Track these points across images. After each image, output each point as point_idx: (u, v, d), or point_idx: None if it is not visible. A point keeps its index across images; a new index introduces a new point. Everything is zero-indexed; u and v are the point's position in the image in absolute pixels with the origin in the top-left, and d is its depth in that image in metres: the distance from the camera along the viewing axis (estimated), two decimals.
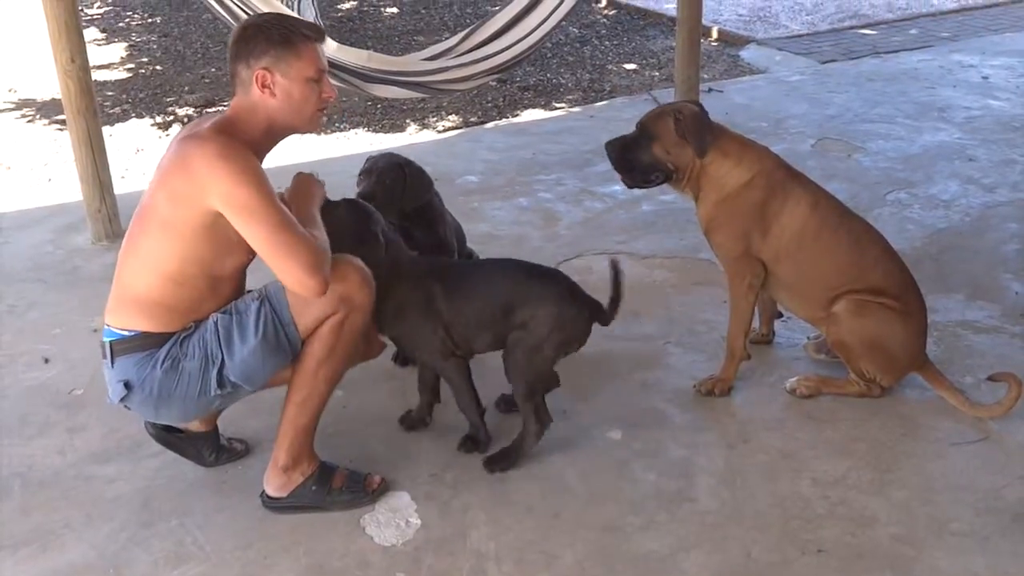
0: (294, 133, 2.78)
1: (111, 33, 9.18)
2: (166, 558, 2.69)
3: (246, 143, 2.60)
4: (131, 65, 8.12)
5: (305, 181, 2.87)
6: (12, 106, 7.21)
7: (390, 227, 3.03)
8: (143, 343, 2.63)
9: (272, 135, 2.71)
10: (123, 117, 6.85)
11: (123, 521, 2.83)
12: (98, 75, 7.72)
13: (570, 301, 2.99)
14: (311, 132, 2.84)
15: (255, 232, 2.51)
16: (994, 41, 7.77)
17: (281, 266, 2.50)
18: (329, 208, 2.88)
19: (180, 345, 2.63)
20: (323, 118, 2.85)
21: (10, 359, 3.72)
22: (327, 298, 2.60)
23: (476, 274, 3.10)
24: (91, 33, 9.04)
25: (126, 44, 8.76)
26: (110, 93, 7.34)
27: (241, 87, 2.65)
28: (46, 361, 3.68)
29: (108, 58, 8.31)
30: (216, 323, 2.63)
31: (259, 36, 2.64)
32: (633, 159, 3.27)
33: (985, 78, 6.82)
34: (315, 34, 2.70)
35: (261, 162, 2.69)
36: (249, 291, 2.76)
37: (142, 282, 2.62)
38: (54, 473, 3.06)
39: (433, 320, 2.93)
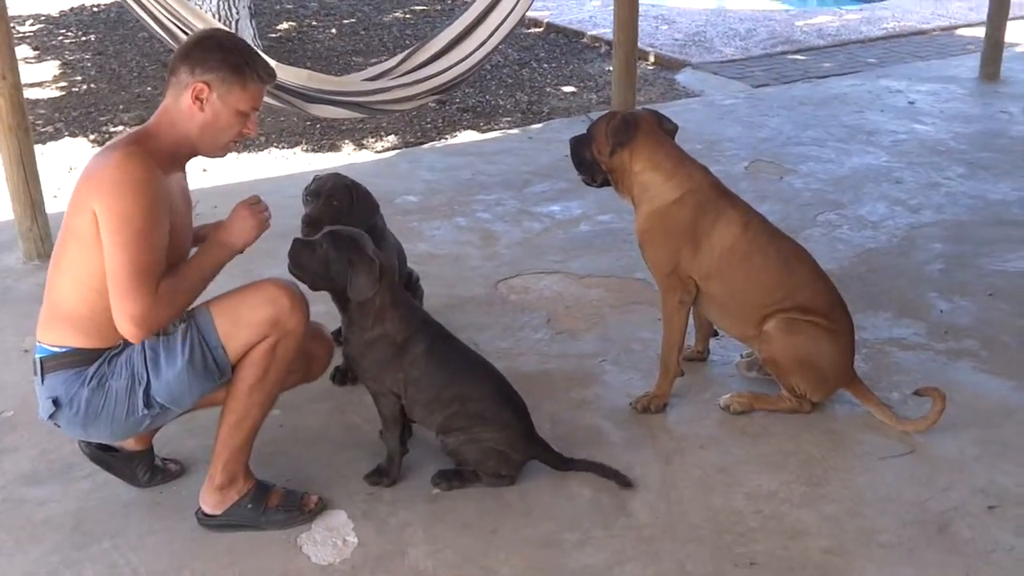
0: (201, 155, 2.71)
1: (43, 51, 9.03)
2: None
3: (158, 156, 2.57)
4: (64, 83, 7.99)
5: (238, 222, 2.69)
6: None
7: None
8: (73, 360, 2.60)
9: (182, 152, 2.67)
10: (56, 136, 6.75)
11: (54, 544, 2.79)
12: (30, 93, 7.58)
13: (526, 438, 2.98)
14: (216, 158, 2.80)
15: (109, 249, 2.45)
16: (920, 67, 8.01)
17: (114, 294, 2.46)
18: (311, 248, 2.80)
19: (109, 363, 2.60)
20: (231, 149, 2.80)
21: None
22: (258, 323, 2.61)
23: (458, 356, 3.01)
24: (23, 51, 8.87)
25: (59, 62, 8.62)
26: (42, 111, 7.22)
27: (174, 88, 2.62)
28: None
29: (41, 76, 8.17)
30: (144, 344, 2.60)
31: (216, 53, 2.62)
32: (580, 155, 3.41)
33: (911, 103, 7.02)
34: (268, 77, 2.70)
35: (179, 171, 2.69)
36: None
37: (69, 298, 2.58)
38: None
39: (399, 368, 2.88)
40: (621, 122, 3.27)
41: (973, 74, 7.61)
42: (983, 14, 7.68)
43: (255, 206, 2.70)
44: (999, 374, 3.59)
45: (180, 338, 2.60)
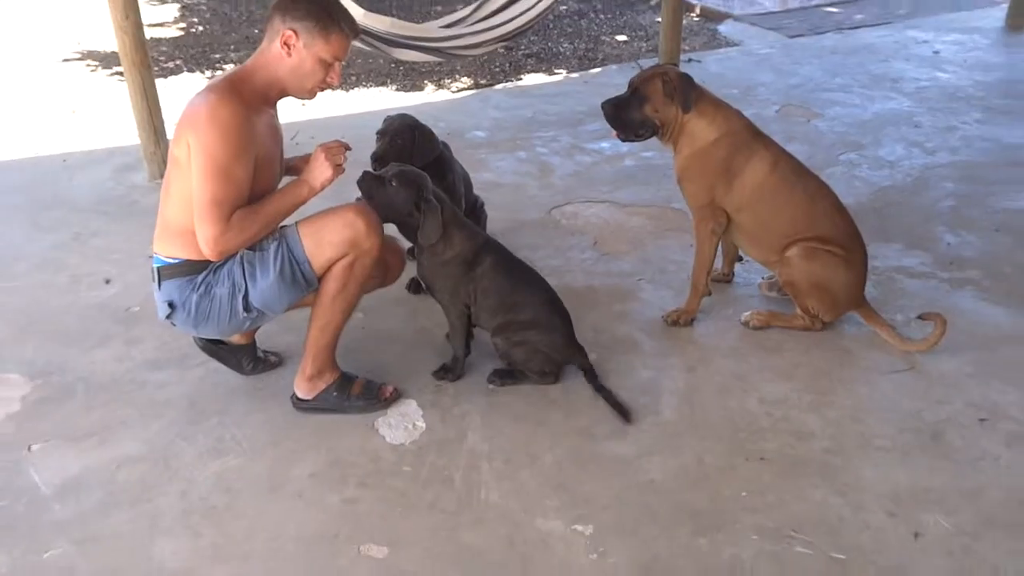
0: (290, 96, 2.70)
1: None
2: (208, 451, 2.75)
3: (250, 95, 2.57)
4: (183, 25, 8.02)
5: (316, 165, 2.64)
6: (78, 56, 7.14)
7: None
8: (184, 269, 2.65)
9: (272, 92, 2.66)
10: (176, 71, 6.79)
11: (171, 419, 2.89)
12: (154, 32, 7.64)
13: (568, 343, 2.98)
14: (306, 100, 2.76)
15: (195, 179, 2.49)
16: (948, 19, 7.65)
17: (195, 218, 2.51)
18: (381, 183, 2.80)
19: (214, 273, 2.66)
20: (318, 94, 2.75)
21: (76, 280, 3.76)
22: (339, 243, 2.63)
23: (519, 270, 3.00)
24: None
25: (179, 5, 8.64)
26: (164, 49, 7.27)
27: (269, 34, 2.61)
28: (107, 282, 3.72)
29: (163, 18, 8.21)
30: (243, 257, 2.64)
31: (305, 4, 2.58)
32: (626, 117, 3.25)
33: (936, 52, 6.73)
34: (351, 31, 2.65)
35: (270, 109, 2.67)
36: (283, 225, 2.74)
37: (177, 216, 2.62)
38: (112, 378, 3.11)
39: (470, 280, 2.90)
40: (684, 80, 3.17)
41: (999, 24, 7.23)
42: None
43: (333, 151, 2.64)
44: (998, 302, 3.50)
45: (272, 253, 2.63)
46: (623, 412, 2.88)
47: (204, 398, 2.99)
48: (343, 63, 2.73)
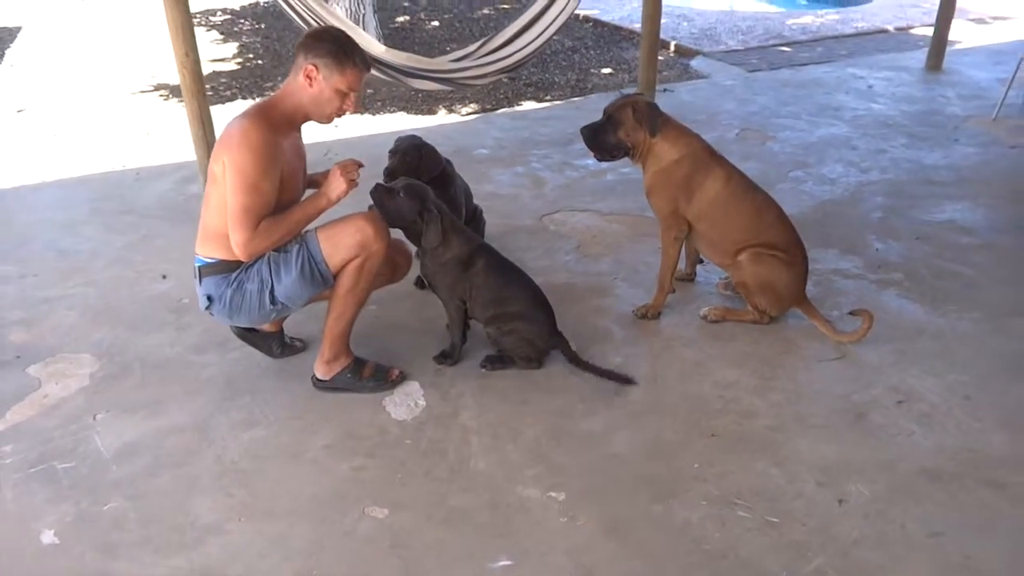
0: (313, 120, 2.61)
1: (228, 35, 8.93)
2: (240, 423, 2.68)
3: (278, 120, 2.49)
4: (240, 59, 7.90)
5: (333, 180, 2.55)
6: (152, 88, 7.06)
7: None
8: (220, 268, 2.58)
9: (297, 117, 2.58)
10: (232, 98, 6.68)
11: (211, 396, 2.82)
12: (216, 66, 7.56)
13: (551, 332, 2.88)
14: (324, 124, 2.67)
15: (228, 192, 2.42)
16: (880, 59, 7.46)
17: (228, 225, 2.45)
18: (391, 194, 2.70)
19: (245, 272, 2.58)
20: (336, 121, 2.68)
21: (140, 274, 3.69)
22: (351, 246, 2.55)
23: (508, 269, 2.89)
24: (212, 35, 8.81)
25: (237, 44, 8.52)
26: (223, 80, 7.16)
27: (294, 68, 2.54)
28: (164, 277, 3.65)
29: (224, 54, 8.10)
30: (269, 258, 2.57)
31: (326, 43, 2.51)
32: (602, 140, 3.15)
33: (870, 87, 6.57)
34: (364, 66, 2.57)
35: (295, 132, 2.59)
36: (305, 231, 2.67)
37: (215, 222, 2.55)
38: (165, 359, 3.04)
39: (466, 279, 2.80)
40: (650, 108, 3.07)
41: (921, 64, 7.08)
42: (934, 17, 7.08)
43: (347, 168, 2.56)
44: (917, 300, 3.38)
45: (295, 255, 2.56)
46: (619, 378, 2.80)
47: (239, 378, 2.92)
48: (359, 94, 2.64)
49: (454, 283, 2.82)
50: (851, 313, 3.11)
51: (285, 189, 2.52)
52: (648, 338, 3.16)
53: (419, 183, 2.80)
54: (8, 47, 8.64)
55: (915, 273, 3.60)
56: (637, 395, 2.79)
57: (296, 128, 2.63)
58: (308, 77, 2.50)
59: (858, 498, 2.33)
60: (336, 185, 2.55)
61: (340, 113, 2.60)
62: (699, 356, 3.03)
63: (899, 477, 2.42)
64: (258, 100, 2.62)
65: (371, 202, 2.74)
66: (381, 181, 2.93)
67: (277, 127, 2.49)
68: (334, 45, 2.51)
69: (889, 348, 3.04)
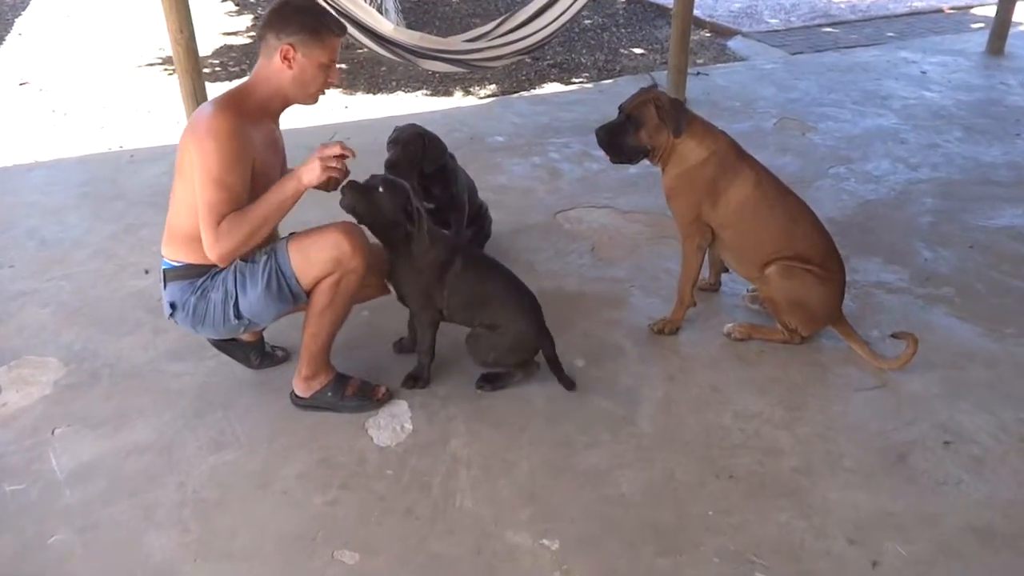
0: (295, 103, 2.39)
1: (243, 7, 8.75)
2: (208, 444, 2.49)
3: (251, 108, 2.29)
4: (253, 33, 7.72)
5: (311, 163, 2.27)
6: (159, 60, 6.90)
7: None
8: (185, 272, 2.39)
9: (274, 104, 2.37)
10: (241, 74, 6.48)
11: (181, 410, 2.64)
12: (228, 40, 7.38)
13: (536, 329, 2.61)
14: (309, 105, 2.45)
15: (196, 185, 2.23)
16: (935, 41, 7.04)
17: (199, 221, 2.25)
18: (369, 191, 2.44)
19: (212, 279, 2.38)
20: (321, 97, 2.43)
21: (121, 268, 3.51)
22: (324, 261, 2.33)
23: (487, 265, 2.67)
24: (227, 6, 8.64)
25: (252, 16, 8.34)
26: (234, 55, 6.98)
27: (265, 51, 2.32)
28: (146, 272, 3.46)
29: (237, 26, 7.92)
30: (236, 267, 2.36)
31: (295, 17, 2.30)
32: (620, 142, 2.86)
33: (923, 73, 6.17)
34: (339, 30, 2.35)
35: (270, 122, 2.38)
36: (281, 238, 2.47)
37: (182, 221, 2.35)
38: (136, 366, 2.86)
39: (444, 284, 2.55)
40: (675, 105, 2.79)
41: (980, 48, 6.64)
42: None
43: (327, 157, 2.28)
44: (969, 320, 3.09)
45: (262, 266, 2.35)
46: (566, 382, 2.62)
47: (213, 390, 2.72)
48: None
49: (430, 289, 2.56)
50: (893, 336, 2.83)
51: (257, 185, 2.30)
52: (664, 357, 2.90)
53: (398, 179, 2.56)
54: (20, 15, 8.54)
55: (968, 288, 3.29)
56: (647, 426, 2.55)
57: (272, 118, 2.42)
58: (286, 59, 2.29)
59: (895, 560, 2.08)
60: (311, 169, 2.27)
61: (325, 88, 2.39)
62: (719, 380, 2.77)
63: (943, 535, 2.16)
64: (230, 88, 2.39)
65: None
66: (368, 177, 2.68)
67: (248, 116, 2.28)
68: (306, 17, 2.30)
69: (936, 377, 2.76)
